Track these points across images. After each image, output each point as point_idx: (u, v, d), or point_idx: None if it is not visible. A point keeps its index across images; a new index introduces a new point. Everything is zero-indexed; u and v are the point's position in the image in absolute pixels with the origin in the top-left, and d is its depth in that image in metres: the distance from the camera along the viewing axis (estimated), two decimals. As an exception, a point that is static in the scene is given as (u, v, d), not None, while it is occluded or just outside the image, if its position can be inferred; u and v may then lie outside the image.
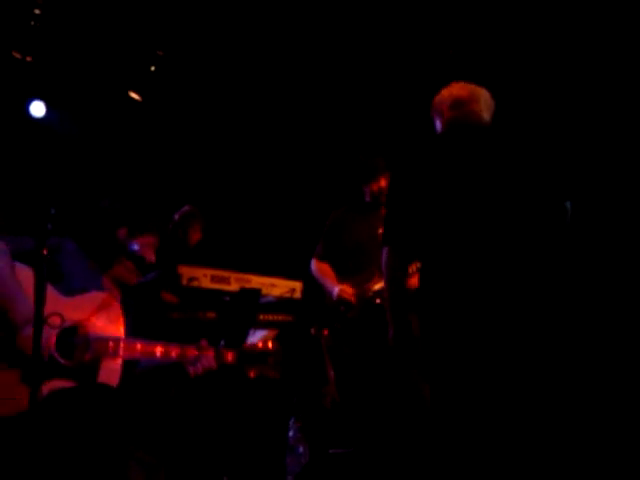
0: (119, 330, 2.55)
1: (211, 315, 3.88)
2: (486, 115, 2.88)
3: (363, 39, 4.96)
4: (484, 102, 2.89)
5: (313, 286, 4.16)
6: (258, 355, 2.83)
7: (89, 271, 2.62)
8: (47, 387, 2.33)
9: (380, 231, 4.01)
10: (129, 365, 2.57)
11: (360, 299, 3.88)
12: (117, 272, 2.67)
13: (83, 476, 2.30)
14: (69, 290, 2.48)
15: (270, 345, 2.86)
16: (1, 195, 5.20)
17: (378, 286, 3.85)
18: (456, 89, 2.92)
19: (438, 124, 2.95)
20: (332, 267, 4.13)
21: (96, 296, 2.55)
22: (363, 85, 5.24)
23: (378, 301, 3.84)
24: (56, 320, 2.33)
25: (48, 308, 2.16)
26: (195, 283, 4.00)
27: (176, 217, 4.77)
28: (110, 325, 2.53)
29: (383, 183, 4.03)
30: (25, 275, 2.40)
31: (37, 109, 5.30)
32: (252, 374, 2.81)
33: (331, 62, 5.14)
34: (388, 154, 4.17)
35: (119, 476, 2.38)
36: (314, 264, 4.19)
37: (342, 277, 4.04)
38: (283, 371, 2.84)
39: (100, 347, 2.46)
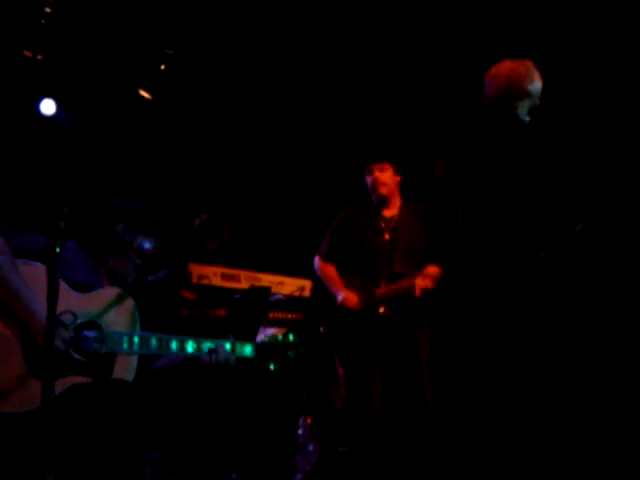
0: (134, 326, 2.55)
1: (221, 312, 3.89)
2: (521, 110, 2.92)
3: (374, 41, 4.96)
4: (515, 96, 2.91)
5: (321, 285, 4.16)
6: (278, 348, 2.80)
7: (90, 266, 2.60)
8: (63, 383, 2.33)
9: (386, 237, 4.03)
10: (144, 361, 2.57)
11: (365, 303, 3.89)
12: (112, 265, 2.63)
13: (99, 472, 2.31)
14: (70, 283, 2.45)
15: (291, 338, 2.83)
16: (10, 191, 5.23)
17: (383, 291, 3.88)
18: (495, 79, 2.95)
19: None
20: (337, 267, 4.09)
21: (110, 292, 2.55)
22: (379, 83, 5.23)
23: (381, 310, 3.87)
24: (69, 317, 2.34)
25: (60, 304, 2.16)
26: (205, 281, 4.01)
27: (201, 223, 4.36)
28: (124, 321, 2.53)
29: (377, 174, 4.00)
30: (32, 272, 2.36)
31: (47, 107, 5.32)
32: (272, 367, 2.77)
33: (349, 54, 5.13)
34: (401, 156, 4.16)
35: (134, 472, 2.38)
36: (319, 264, 4.13)
37: (347, 277, 4.03)
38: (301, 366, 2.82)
39: (115, 342, 2.46)
